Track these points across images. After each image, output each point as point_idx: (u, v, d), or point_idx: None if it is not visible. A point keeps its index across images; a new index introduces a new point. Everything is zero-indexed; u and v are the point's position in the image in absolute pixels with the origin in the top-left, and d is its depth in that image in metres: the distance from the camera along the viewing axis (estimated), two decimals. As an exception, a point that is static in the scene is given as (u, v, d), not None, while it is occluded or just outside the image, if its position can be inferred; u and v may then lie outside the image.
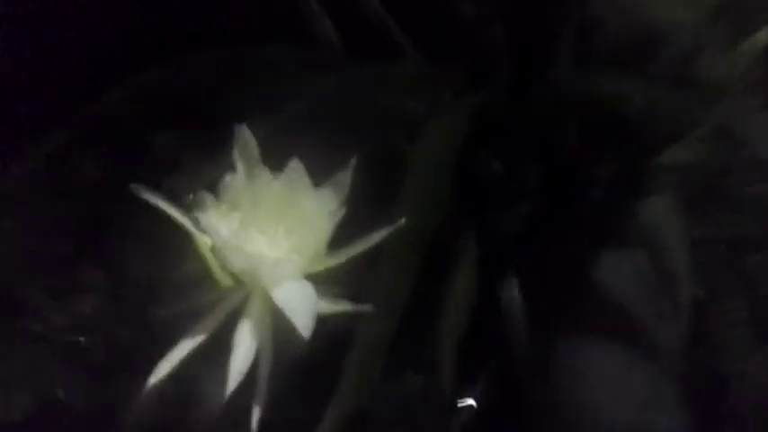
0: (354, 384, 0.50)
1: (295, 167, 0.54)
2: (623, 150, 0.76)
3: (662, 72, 0.70)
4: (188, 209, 0.53)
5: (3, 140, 0.69)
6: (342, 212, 0.56)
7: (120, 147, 0.70)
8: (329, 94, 0.68)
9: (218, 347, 0.53)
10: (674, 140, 0.74)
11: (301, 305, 0.51)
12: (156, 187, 0.56)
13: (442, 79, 0.67)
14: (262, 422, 0.50)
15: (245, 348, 0.51)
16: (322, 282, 0.55)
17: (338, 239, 0.57)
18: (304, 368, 0.54)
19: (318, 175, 0.57)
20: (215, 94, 0.66)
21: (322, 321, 0.53)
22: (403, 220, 0.56)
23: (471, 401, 0.76)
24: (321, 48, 0.72)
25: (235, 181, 0.53)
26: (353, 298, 0.55)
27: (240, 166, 0.55)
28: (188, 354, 0.52)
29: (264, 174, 0.54)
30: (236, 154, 0.55)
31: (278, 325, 0.53)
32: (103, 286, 0.73)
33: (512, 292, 0.76)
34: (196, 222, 0.52)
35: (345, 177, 0.57)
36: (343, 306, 0.53)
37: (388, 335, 0.52)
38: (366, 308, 0.52)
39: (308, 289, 0.52)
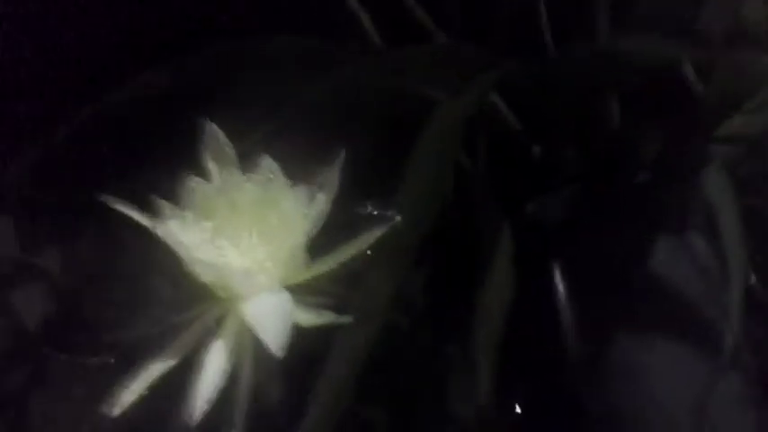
0: (325, 408, 0.43)
1: (268, 166, 0.47)
2: (672, 125, 0.66)
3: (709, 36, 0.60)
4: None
5: (3, 140, 0.65)
6: (327, 212, 0.48)
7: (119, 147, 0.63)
8: (342, 86, 0.60)
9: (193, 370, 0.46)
10: (729, 111, 0.64)
11: (274, 321, 0.44)
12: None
13: (466, 60, 0.59)
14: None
15: (213, 372, 0.45)
16: (306, 291, 0.48)
17: (327, 242, 0.49)
18: (282, 386, 0.46)
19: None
20: (218, 92, 0.59)
21: (303, 335, 0.45)
22: (398, 219, 0.48)
23: (517, 409, 0.67)
24: (338, 38, 0.65)
25: (200, 186, 0.46)
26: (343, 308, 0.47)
27: (212, 167, 0.48)
28: (155, 379, 0.45)
29: (236, 175, 0.47)
30: (206, 155, 0.48)
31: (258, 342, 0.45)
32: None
33: (556, 287, 0.67)
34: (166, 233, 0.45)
35: (333, 175, 0.49)
36: (325, 318, 0.45)
37: (363, 349, 0.44)
38: (347, 319, 0.44)
39: (283, 302, 0.46)
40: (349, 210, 0.52)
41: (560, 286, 0.69)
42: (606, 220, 0.68)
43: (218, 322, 0.48)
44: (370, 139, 0.61)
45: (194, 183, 0.47)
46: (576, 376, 0.67)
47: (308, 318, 0.47)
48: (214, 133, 0.49)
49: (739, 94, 0.64)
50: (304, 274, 0.49)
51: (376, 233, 0.49)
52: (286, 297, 0.47)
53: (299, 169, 0.52)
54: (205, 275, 0.46)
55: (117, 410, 0.45)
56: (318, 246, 0.51)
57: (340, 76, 0.59)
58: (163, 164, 0.52)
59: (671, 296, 0.66)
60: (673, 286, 0.66)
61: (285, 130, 0.56)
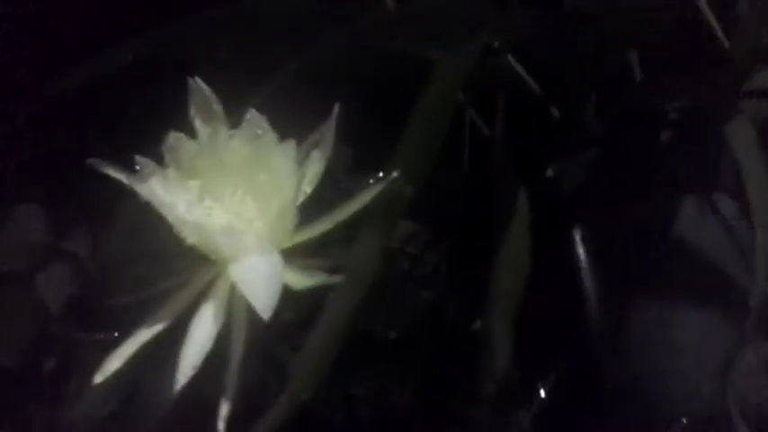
0: (309, 369, 0.40)
1: (256, 121, 0.44)
2: (697, 80, 0.62)
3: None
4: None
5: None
6: (322, 170, 0.45)
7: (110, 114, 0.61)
8: (338, 45, 0.56)
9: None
10: (757, 64, 0.59)
11: (262, 283, 0.41)
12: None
13: (470, 15, 0.55)
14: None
15: (200, 336, 0.41)
16: (299, 253, 0.45)
17: (322, 203, 0.46)
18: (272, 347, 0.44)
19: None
20: (210, 56, 0.57)
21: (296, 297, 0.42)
22: (395, 177, 0.44)
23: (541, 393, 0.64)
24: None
25: (183, 143, 0.43)
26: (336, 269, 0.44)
27: (199, 125, 0.45)
28: (143, 345, 0.42)
29: (223, 132, 0.44)
30: (192, 112, 0.45)
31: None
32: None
33: (577, 253, 0.63)
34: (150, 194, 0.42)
35: (328, 131, 0.46)
36: (317, 279, 0.42)
37: (355, 307, 0.41)
38: (338, 279, 0.41)
39: (272, 264, 0.43)
40: (344, 170, 0.48)
41: (581, 253, 0.64)
42: (628, 182, 0.64)
43: (209, 285, 0.45)
44: (369, 101, 0.57)
45: (175, 139, 0.43)
46: (599, 346, 0.63)
47: (300, 280, 0.43)
48: (200, 90, 0.46)
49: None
50: (299, 237, 0.46)
51: (372, 192, 0.45)
52: (276, 259, 0.44)
53: (293, 127, 0.49)
54: (191, 236, 0.43)
55: (100, 377, 0.42)
56: (314, 207, 0.48)
57: (336, 37, 0.55)
58: (153, 127, 0.49)
59: (696, 260, 0.62)
60: (698, 250, 0.62)
61: (279, 93, 0.53)
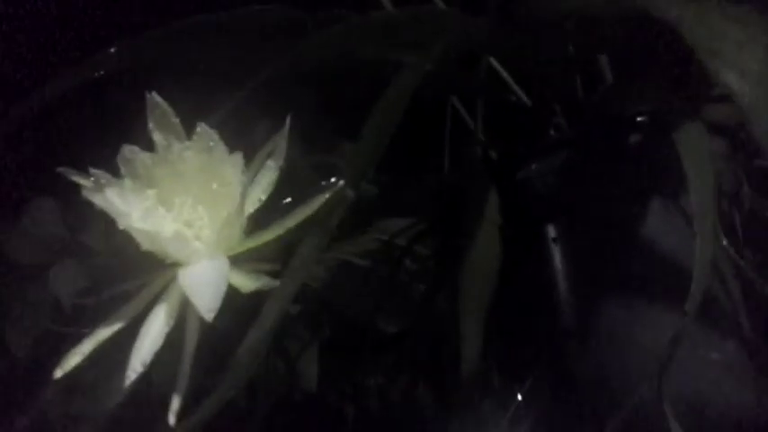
0: (242, 364, 0.44)
1: (207, 134, 0.48)
2: (666, 83, 0.64)
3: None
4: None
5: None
6: (275, 179, 0.49)
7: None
8: (308, 53, 0.60)
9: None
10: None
11: (206, 286, 0.45)
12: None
13: (425, 22, 0.58)
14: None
15: (152, 336, 0.46)
16: (250, 258, 0.49)
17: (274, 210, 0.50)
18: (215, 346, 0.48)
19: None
20: (181, 66, 0.61)
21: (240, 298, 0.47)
22: (341, 185, 0.48)
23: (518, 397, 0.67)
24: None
25: (138, 155, 0.47)
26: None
27: (157, 138, 0.49)
28: (100, 343, 0.47)
29: (177, 144, 0.48)
30: (151, 125, 0.49)
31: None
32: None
33: (548, 253, 0.66)
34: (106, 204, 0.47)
35: (281, 142, 0.50)
36: (262, 282, 0.46)
37: (281, 314, 0.45)
38: (275, 283, 0.45)
39: (218, 268, 0.46)
40: (297, 177, 0.52)
41: (554, 251, 0.67)
42: (598, 184, 0.66)
43: (165, 287, 0.49)
44: (339, 107, 0.61)
45: (130, 152, 0.47)
46: (568, 342, 0.66)
47: (246, 283, 0.47)
48: (159, 104, 0.49)
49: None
50: (251, 242, 0.50)
51: (321, 198, 0.49)
52: (222, 264, 0.47)
53: (249, 138, 0.52)
54: (144, 243, 0.47)
55: (60, 373, 0.46)
56: (267, 212, 0.51)
57: (307, 45, 0.59)
58: (121, 138, 0.53)
59: (663, 260, 0.64)
60: (665, 250, 0.64)
61: (248, 102, 0.56)
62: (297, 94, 0.61)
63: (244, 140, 0.53)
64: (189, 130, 0.51)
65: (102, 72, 0.63)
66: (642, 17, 0.45)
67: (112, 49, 0.62)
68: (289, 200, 0.51)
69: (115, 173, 0.50)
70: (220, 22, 0.63)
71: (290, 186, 0.55)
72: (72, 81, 0.62)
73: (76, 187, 0.65)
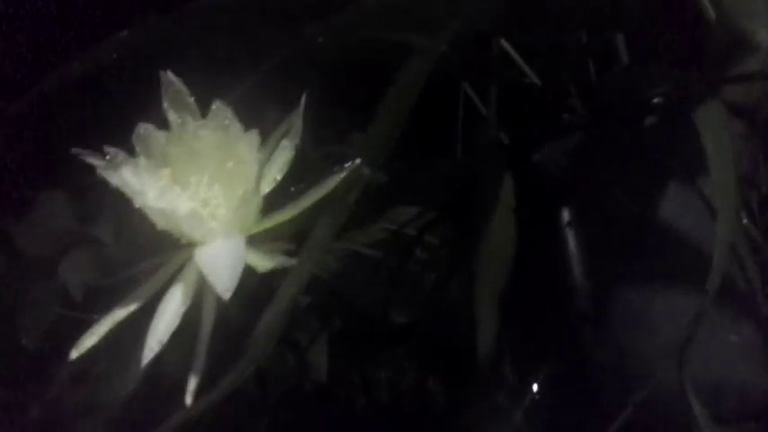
0: (258, 344, 0.43)
1: (221, 111, 0.47)
2: (682, 64, 0.64)
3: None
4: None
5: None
6: (291, 158, 0.48)
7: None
8: (322, 35, 0.60)
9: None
10: (741, 49, 0.61)
11: (223, 265, 0.45)
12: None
13: (437, 4, 0.58)
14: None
15: (168, 315, 0.46)
16: (266, 238, 0.48)
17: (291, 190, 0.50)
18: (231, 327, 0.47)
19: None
20: (191, 49, 0.60)
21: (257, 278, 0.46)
22: (358, 164, 0.48)
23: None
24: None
25: (153, 133, 0.47)
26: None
27: (172, 116, 0.49)
28: (116, 324, 0.46)
29: (192, 123, 0.48)
30: (166, 104, 0.49)
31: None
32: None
33: (564, 236, 0.66)
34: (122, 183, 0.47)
35: (296, 121, 0.49)
36: (278, 261, 0.46)
37: (297, 293, 0.44)
38: (291, 262, 0.45)
39: (234, 247, 0.46)
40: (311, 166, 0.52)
41: (569, 235, 0.67)
42: (613, 166, 0.66)
43: (182, 267, 0.49)
44: (353, 88, 0.60)
45: (145, 130, 0.47)
46: (585, 326, 0.65)
47: (262, 262, 0.47)
48: (173, 83, 0.49)
49: (751, 28, 0.61)
50: (267, 222, 0.50)
51: (336, 178, 0.49)
52: (238, 243, 0.47)
53: (263, 120, 0.52)
54: (159, 222, 0.47)
55: (76, 354, 0.46)
56: (283, 192, 0.51)
57: (320, 27, 0.58)
58: (134, 121, 0.53)
59: (680, 242, 0.63)
60: (682, 232, 0.63)
61: (259, 87, 0.56)
62: (309, 77, 0.60)
63: (258, 121, 0.52)
64: (203, 110, 0.51)
65: (113, 56, 0.63)
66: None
67: (123, 34, 0.61)
68: (301, 185, 0.50)
69: (130, 153, 0.49)
70: (228, 5, 0.63)
71: (302, 174, 0.54)
72: (81, 67, 0.61)
73: (86, 180, 0.65)
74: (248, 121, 0.52)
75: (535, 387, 0.68)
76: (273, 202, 0.52)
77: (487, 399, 0.69)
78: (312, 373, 0.88)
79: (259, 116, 0.54)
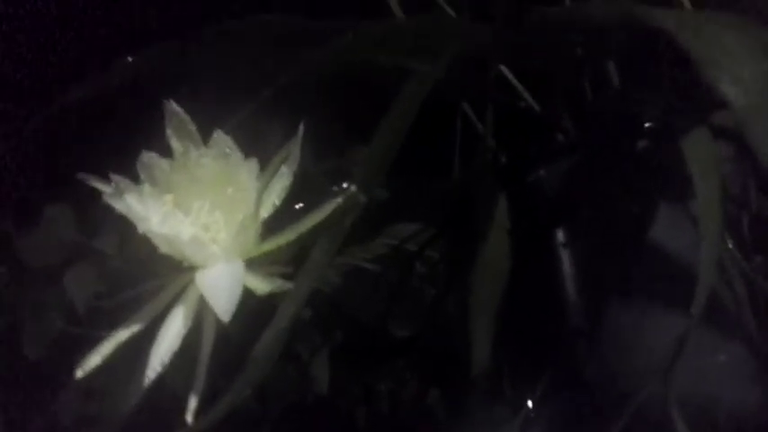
0: (257, 363, 0.46)
1: (224, 141, 0.50)
2: (673, 89, 0.66)
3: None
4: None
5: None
6: (289, 184, 0.51)
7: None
8: (321, 61, 0.63)
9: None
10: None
11: (222, 289, 0.47)
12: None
13: (434, 30, 0.61)
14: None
15: (170, 336, 0.48)
16: (265, 261, 0.51)
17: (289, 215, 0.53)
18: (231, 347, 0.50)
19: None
20: (196, 75, 0.63)
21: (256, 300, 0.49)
22: (353, 191, 0.51)
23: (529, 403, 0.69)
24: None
25: (156, 161, 0.50)
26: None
27: (175, 145, 0.51)
28: (120, 344, 0.49)
29: (194, 151, 0.51)
30: (169, 132, 0.51)
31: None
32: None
33: (557, 257, 0.69)
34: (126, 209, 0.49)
35: (295, 148, 0.52)
36: (277, 285, 0.49)
37: (295, 314, 0.47)
38: (288, 286, 0.47)
39: (234, 271, 0.49)
40: (310, 183, 0.54)
41: (563, 255, 0.69)
42: (607, 188, 0.68)
43: (183, 290, 0.52)
44: (347, 114, 0.63)
45: (148, 158, 0.50)
46: (578, 345, 0.68)
47: (261, 285, 0.50)
48: (176, 112, 0.52)
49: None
50: (266, 246, 0.52)
51: (333, 204, 0.51)
52: (238, 267, 0.50)
53: (263, 145, 0.55)
54: (162, 246, 0.50)
55: (80, 373, 0.49)
56: (282, 218, 0.54)
57: (318, 54, 0.61)
58: (139, 146, 0.56)
59: (671, 263, 0.66)
60: (672, 252, 0.65)
61: (260, 111, 0.59)
62: (310, 101, 0.63)
63: (258, 147, 0.55)
64: (205, 138, 0.53)
65: (118, 81, 0.65)
66: (643, 27, 0.47)
67: (129, 59, 0.64)
68: (301, 205, 0.53)
69: (134, 180, 0.52)
70: (233, 32, 0.65)
71: (304, 192, 0.57)
72: (87, 91, 0.64)
73: (91, 195, 0.68)
74: (251, 143, 0.54)
75: (530, 403, 0.71)
76: (273, 223, 0.54)
77: (485, 412, 0.71)
78: (314, 386, 0.91)
79: (261, 139, 0.57)
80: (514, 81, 0.73)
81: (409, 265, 0.85)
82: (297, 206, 0.52)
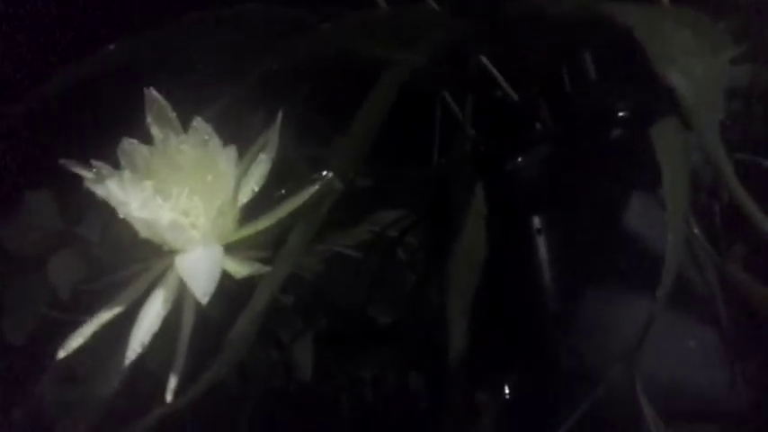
0: (233, 345, 0.49)
1: (203, 128, 0.53)
2: (645, 80, 0.69)
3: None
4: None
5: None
6: (268, 171, 0.54)
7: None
8: (302, 49, 0.65)
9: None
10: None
11: (201, 272, 0.50)
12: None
13: (414, 22, 0.64)
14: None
15: (150, 318, 0.51)
16: (243, 246, 0.54)
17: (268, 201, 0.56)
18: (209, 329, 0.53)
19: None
20: (181, 62, 0.66)
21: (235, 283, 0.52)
22: (330, 178, 0.53)
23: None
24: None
25: (137, 148, 0.53)
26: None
27: (155, 132, 0.54)
28: (101, 326, 0.52)
29: (174, 138, 0.53)
30: (149, 119, 0.54)
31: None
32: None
33: (533, 244, 0.72)
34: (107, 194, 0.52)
35: (273, 136, 0.55)
36: (254, 268, 0.52)
37: (271, 298, 0.50)
38: (266, 269, 0.50)
39: (212, 255, 0.52)
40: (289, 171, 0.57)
41: (540, 242, 0.72)
42: (583, 176, 0.71)
43: (163, 273, 0.55)
44: (329, 101, 0.66)
45: (129, 144, 0.53)
46: (554, 331, 0.71)
47: (239, 269, 0.53)
48: (156, 100, 0.55)
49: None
50: (244, 231, 0.55)
51: (309, 190, 0.54)
52: (217, 251, 0.53)
53: (242, 132, 0.58)
54: (142, 231, 0.53)
55: (62, 354, 0.52)
56: (260, 203, 0.57)
57: (297, 44, 0.64)
58: (120, 133, 0.58)
59: (644, 250, 0.69)
60: (645, 239, 0.68)
61: (246, 95, 0.62)
62: (292, 88, 0.66)
63: (241, 132, 0.58)
64: (186, 125, 0.56)
65: (101, 69, 0.68)
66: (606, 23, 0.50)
67: (111, 47, 0.67)
68: (283, 192, 0.56)
69: (115, 166, 0.55)
70: (218, 20, 0.68)
71: (285, 178, 0.60)
72: (71, 78, 0.67)
73: (73, 181, 0.70)
74: (233, 130, 0.57)
75: (506, 387, 0.74)
76: (254, 209, 0.57)
77: (465, 398, 0.74)
78: (297, 372, 0.94)
79: (244, 124, 0.60)
80: (494, 71, 0.76)
81: (390, 251, 0.88)
82: (279, 192, 0.54)
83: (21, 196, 1.02)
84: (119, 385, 0.55)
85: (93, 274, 0.92)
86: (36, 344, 0.94)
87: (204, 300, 0.50)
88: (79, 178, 0.59)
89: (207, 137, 0.54)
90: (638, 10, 0.47)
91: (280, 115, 0.55)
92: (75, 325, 0.62)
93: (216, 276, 0.51)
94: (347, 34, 0.67)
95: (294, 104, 0.60)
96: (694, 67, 0.44)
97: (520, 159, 0.74)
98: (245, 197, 0.56)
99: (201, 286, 0.50)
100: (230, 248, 0.55)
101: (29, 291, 0.98)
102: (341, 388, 0.98)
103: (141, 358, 0.53)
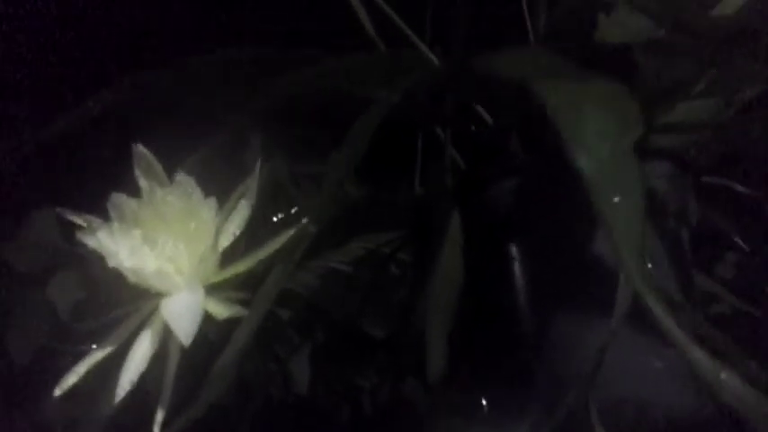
0: (213, 384, 0.57)
1: (184, 180, 0.61)
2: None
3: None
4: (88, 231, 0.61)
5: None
6: (247, 217, 0.62)
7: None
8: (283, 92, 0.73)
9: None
10: (667, 99, 0.73)
11: (184, 315, 0.58)
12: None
13: (392, 65, 0.71)
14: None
15: (138, 357, 0.59)
16: (224, 288, 0.62)
17: (248, 245, 0.64)
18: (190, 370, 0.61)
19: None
20: (165, 108, 0.74)
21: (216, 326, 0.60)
22: (305, 224, 0.61)
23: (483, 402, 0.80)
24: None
25: (125, 200, 0.61)
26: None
27: (143, 184, 0.62)
28: (95, 364, 0.60)
29: (160, 190, 0.61)
30: (137, 172, 0.62)
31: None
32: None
33: (512, 268, 0.79)
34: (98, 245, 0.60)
35: (252, 184, 0.63)
36: (234, 311, 0.60)
37: (248, 339, 0.58)
38: (243, 312, 0.58)
39: (194, 298, 0.60)
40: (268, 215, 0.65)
41: (516, 267, 0.80)
42: (555, 203, 0.79)
43: (151, 314, 0.63)
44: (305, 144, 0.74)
45: (117, 198, 0.61)
46: (529, 350, 0.78)
47: (220, 311, 0.61)
48: (144, 155, 0.63)
49: (676, 80, 0.73)
50: (221, 274, 0.63)
51: (287, 234, 0.62)
52: (198, 295, 0.61)
53: (223, 180, 0.66)
54: (131, 278, 0.61)
55: (59, 391, 0.60)
56: (241, 248, 0.65)
57: (285, 83, 0.71)
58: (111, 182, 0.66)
59: (609, 275, 0.76)
60: (610, 266, 0.76)
61: (222, 147, 0.70)
62: (279, 127, 0.73)
63: (221, 176, 0.66)
64: (171, 171, 0.64)
65: (91, 114, 0.76)
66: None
67: (101, 94, 0.75)
68: (280, 215, 0.63)
69: (104, 214, 0.63)
70: (203, 64, 0.76)
71: (277, 203, 0.68)
72: (63, 125, 0.75)
73: (74, 201, 0.78)
74: (215, 175, 0.65)
75: (484, 401, 0.81)
76: (254, 235, 0.65)
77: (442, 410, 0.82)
78: (293, 385, 1.01)
79: (222, 171, 0.68)
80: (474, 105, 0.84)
81: (383, 267, 0.95)
82: (274, 218, 0.62)
83: (23, 213, 1.09)
84: (114, 410, 0.63)
85: (92, 295, 0.99)
86: (40, 360, 1.00)
87: (187, 341, 0.58)
88: (80, 197, 0.67)
89: (190, 189, 0.61)
90: (565, 90, 0.54)
91: (258, 165, 0.63)
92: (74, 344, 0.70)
93: (198, 319, 0.59)
94: (327, 77, 0.74)
95: (286, 135, 0.67)
96: (601, 149, 0.50)
97: (494, 189, 0.81)
98: (226, 241, 0.64)
99: (184, 329, 0.58)
100: (212, 289, 0.62)
101: (31, 307, 1.05)
102: (337, 399, 1.06)
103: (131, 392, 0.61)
